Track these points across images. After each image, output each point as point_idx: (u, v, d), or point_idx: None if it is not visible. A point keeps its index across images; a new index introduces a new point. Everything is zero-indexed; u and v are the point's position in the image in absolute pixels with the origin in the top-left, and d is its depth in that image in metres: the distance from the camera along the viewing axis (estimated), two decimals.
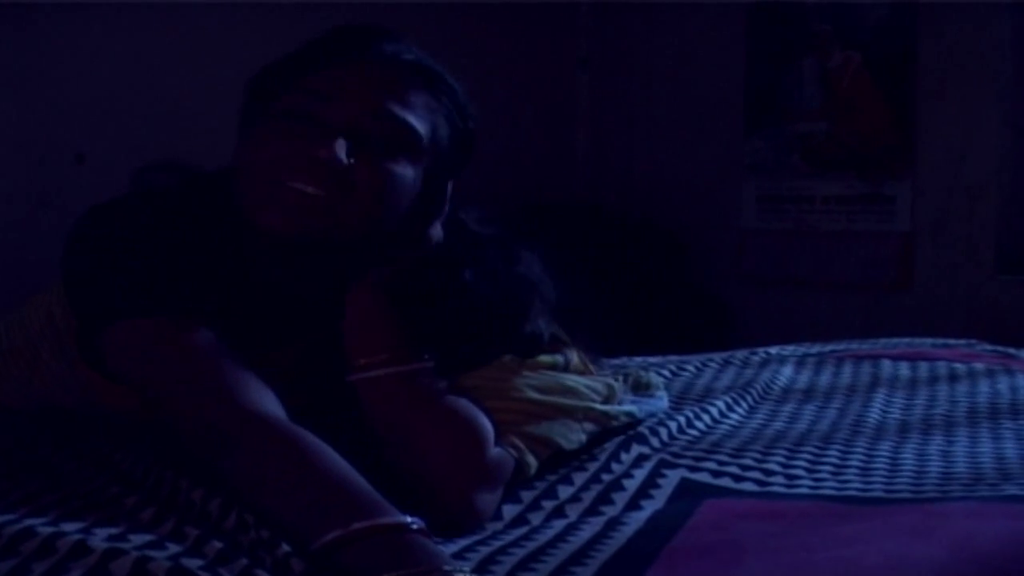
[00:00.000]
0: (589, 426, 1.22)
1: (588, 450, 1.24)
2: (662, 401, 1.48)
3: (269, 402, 1.01)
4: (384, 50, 1.12)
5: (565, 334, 1.27)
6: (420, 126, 1.12)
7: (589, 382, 1.24)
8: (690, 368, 1.88)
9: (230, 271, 1.12)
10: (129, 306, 1.05)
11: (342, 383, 1.12)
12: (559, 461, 1.20)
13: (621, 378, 1.51)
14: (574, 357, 1.25)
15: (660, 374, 1.80)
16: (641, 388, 1.49)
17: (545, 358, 1.21)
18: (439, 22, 3.93)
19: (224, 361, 1.03)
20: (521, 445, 1.12)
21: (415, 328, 1.13)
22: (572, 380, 1.21)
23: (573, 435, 1.19)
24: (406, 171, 1.11)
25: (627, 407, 1.31)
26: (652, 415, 1.40)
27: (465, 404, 1.11)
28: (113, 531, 0.90)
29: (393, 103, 1.10)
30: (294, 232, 1.05)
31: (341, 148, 1.05)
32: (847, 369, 1.92)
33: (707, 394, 1.66)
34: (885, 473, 1.24)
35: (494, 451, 1.09)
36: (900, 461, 1.29)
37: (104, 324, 1.07)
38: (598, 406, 1.24)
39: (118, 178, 1.20)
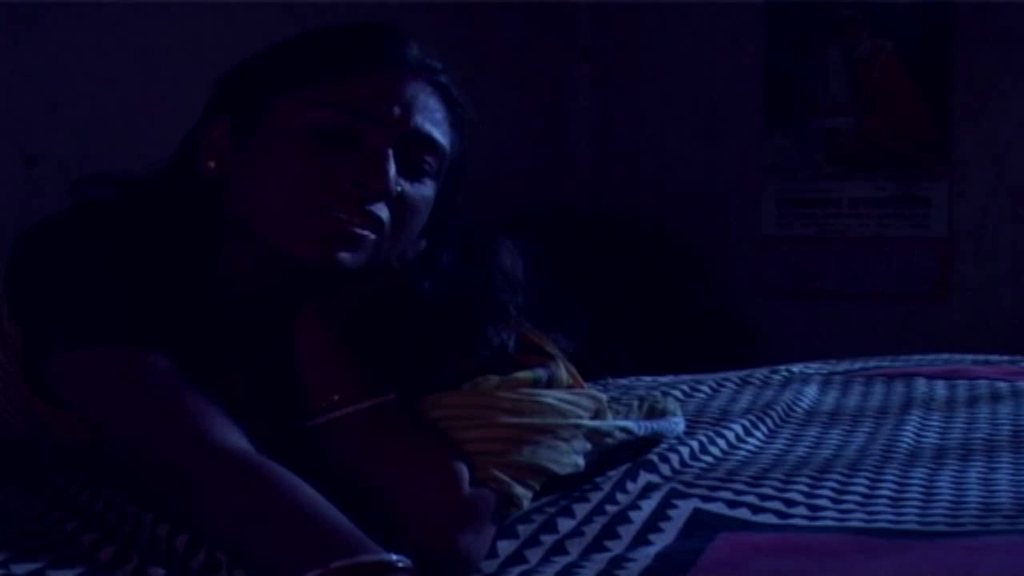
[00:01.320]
0: (581, 445, 1.20)
1: (589, 477, 1.25)
2: (677, 425, 1.47)
3: (233, 434, 1.02)
4: (409, 55, 1.14)
5: (551, 343, 1.26)
6: (444, 143, 1.15)
7: (572, 397, 1.22)
8: (704, 389, 1.88)
9: (184, 290, 1.13)
10: (81, 334, 1.07)
11: (300, 413, 1.13)
12: (557, 489, 1.20)
13: (636, 402, 1.52)
14: (560, 370, 1.23)
15: (670, 394, 1.81)
16: (656, 414, 1.49)
17: (524, 374, 1.19)
18: (424, 9, 3.94)
19: (184, 391, 1.04)
20: (505, 477, 1.11)
21: (371, 356, 1.13)
22: (553, 397, 1.19)
23: (565, 458, 1.18)
24: (431, 192, 1.15)
25: (622, 422, 1.30)
26: (657, 434, 1.39)
27: (434, 439, 1.11)
28: (70, 573, 0.90)
29: (424, 120, 1.12)
30: (335, 265, 1.08)
31: (393, 177, 1.09)
32: (877, 389, 1.92)
33: (723, 417, 1.65)
34: (919, 503, 1.24)
35: (470, 489, 1.09)
36: (936, 490, 1.29)
37: (54, 353, 1.08)
38: (586, 422, 1.22)
39: (70, 181, 1.21)
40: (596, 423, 1.23)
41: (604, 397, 1.28)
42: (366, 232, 1.09)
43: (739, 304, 4.14)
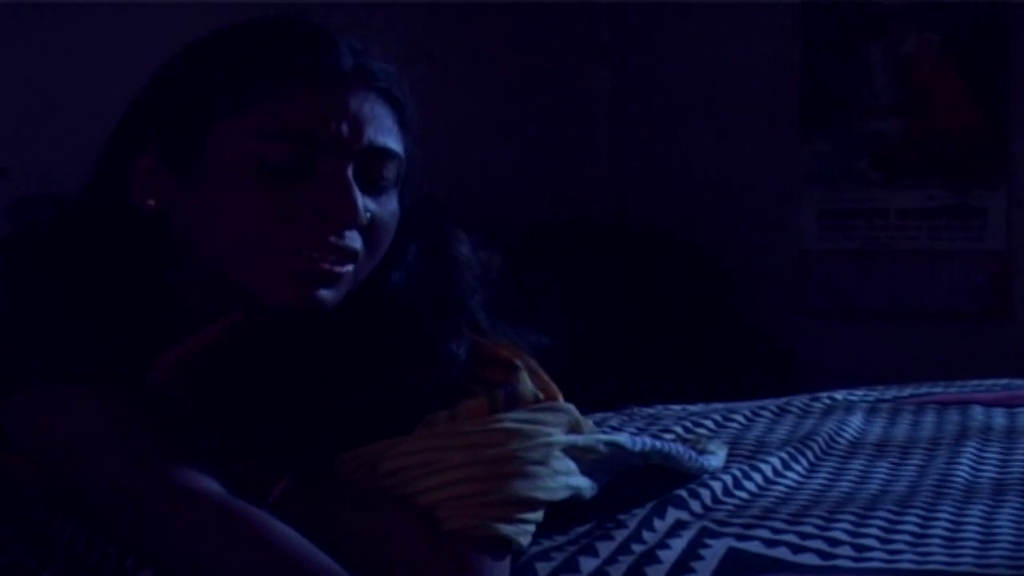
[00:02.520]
0: (565, 465, 1.17)
1: (609, 513, 1.25)
2: (709, 460, 1.47)
3: (202, 476, 1.04)
4: (344, 64, 1.13)
5: (517, 347, 1.23)
6: (399, 149, 1.16)
7: (535, 415, 1.18)
8: (738, 418, 1.88)
9: (137, 323, 1.14)
10: (35, 371, 1.08)
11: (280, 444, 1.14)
12: (573, 521, 1.20)
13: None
14: (524, 383, 1.20)
15: (702, 424, 1.81)
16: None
17: (475, 402, 1.16)
18: (431, 8, 3.96)
19: (146, 430, 1.06)
20: (481, 521, 1.09)
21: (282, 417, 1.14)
22: (512, 420, 1.15)
23: (550, 482, 1.14)
24: (395, 203, 1.16)
25: (608, 436, 1.26)
26: (664, 455, 1.35)
27: (378, 497, 1.11)
28: None
29: (376, 132, 1.13)
30: (315, 305, 1.10)
31: (361, 204, 1.09)
32: (929, 417, 1.91)
33: (759, 449, 1.65)
34: (976, 544, 1.23)
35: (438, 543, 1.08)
36: (995, 529, 1.29)
37: (7, 391, 1.09)
38: (559, 438, 1.17)
39: (43, 193, 1.22)
40: (571, 438, 1.19)
41: (574, 408, 1.23)
42: (343, 268, 1.11)
43: (776, 325, 4.14)
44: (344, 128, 1.10)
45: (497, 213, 3.97)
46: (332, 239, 1.09)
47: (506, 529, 1.09)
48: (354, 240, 1.11)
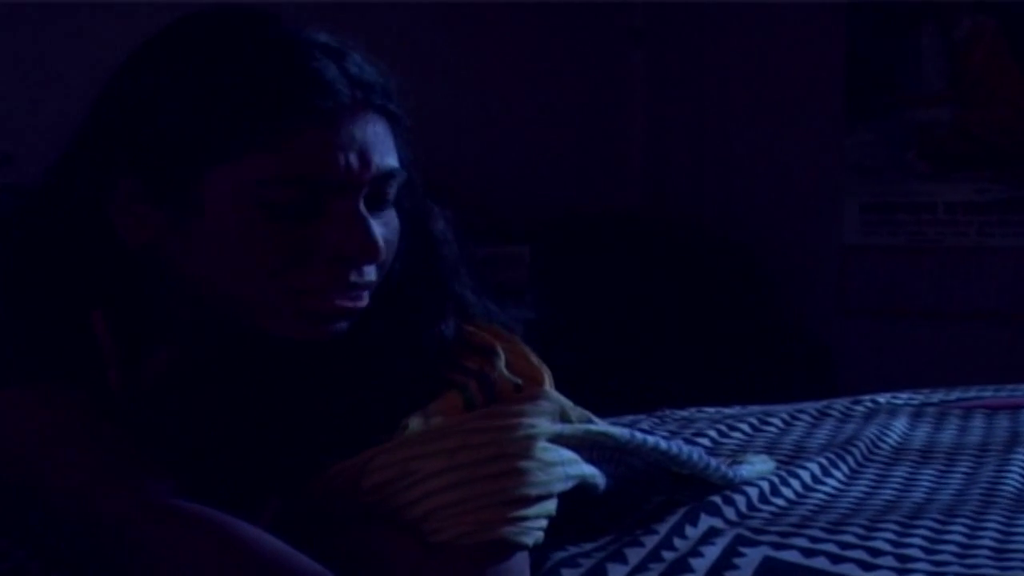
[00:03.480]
0: (556, 455, 1.15)
1: (644, 521, 1.25)
2: (746, 468, 1.47)
3: (174, 488, 1.04)
4: (342, 92, 1.11)
5: (497, 325, 1.22)
6: (399, 164, 1.15)
7: (509, 409, 1.15)
8: (776, 421, 1.88)
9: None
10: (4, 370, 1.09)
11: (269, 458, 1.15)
12: (595, 519, 1.21)
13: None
14: (499, 372, 1.17)
15: (738, 428, 1.81)
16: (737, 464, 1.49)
17: (450, 399, 1.15)
18: None
19: (116, 439, 1.06)
20: (481, 530, 1.08)
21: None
22: (487, 418, 1.13)
23: (543, 475, 1.12)
24: (394, 213, 1.16)
25: (600, 427, 1.23)
26: (677, 460, 1.33)
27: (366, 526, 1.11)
28: None
29: (381, 156, 1.13)
30: (327, 339, 1.12)
31: (381, 241, 1.11)
32: (977, 422, 1.91)
33: (797, 454, 1.66)
34: None
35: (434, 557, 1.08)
36: None
37: None
38: (542, 427, 1.14)
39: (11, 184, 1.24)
40: (556, 427, 1.16)
41: (558, 395, 1.19)
42: (362, 302, 1.12)
43: (817, 323, 4.13)
44: (353, 161, 1.10)
45: (526, 204, 3.99)
46: (353, 278, 1.10)
47: (503, 531, 1.08)
48: (371, 273, 1.12)
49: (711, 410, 2.02)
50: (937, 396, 2.17)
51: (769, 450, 1.70)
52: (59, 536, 1.08)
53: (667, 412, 1.99)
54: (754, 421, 1.87)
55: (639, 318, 3.88)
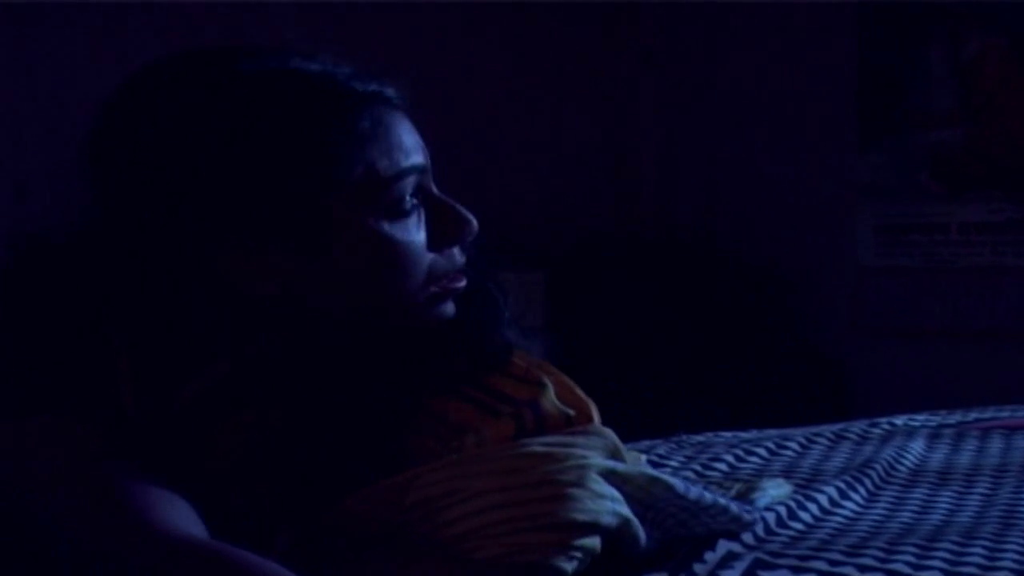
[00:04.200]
0: (609, 490, 1.14)
1: (659, 553, 1.24)
2: (764, 497, 1.46)
3: (184, 518, 1.04)
4: (390, 90, 1.18)
5: (533, 354, 1.24)
6: None
7: (566, 439, 1.16)
8: (793, 445, 1.88)
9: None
10: (11, 404, 1.09)
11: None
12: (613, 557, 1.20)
13: (739, 485, 1.51)
14: (548, 400, 1.19)
15: (754, 452, 1.80)
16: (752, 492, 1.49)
17: (502, 425, 1.16)
18: (471, 14, 3.99)
19: (127, 468, 1.06)
20: (524, 551, 1.08)
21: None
22: (540, 444, 1.14)
23: (592, 504, 1.11)
24: None
25: (658, 473, 1.22)
26: (719, 508, 1.30)
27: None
28: None
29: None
30: (443, 322, 1.19)
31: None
32: (995, 443, 1.90)
33: (814, 477, 1.65)
34: None
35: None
36: None
37: None
38: (596, 460, 1.14)
39: (61, 215, 1.24)
40: (611, 463, 1.16)
41: (612, 433, 1.20)
42: (463, 282, 1.19)
43: (833, 345, 4.12)
44: (425, 154, 1.17)
45: (540, 230, 3.99)
46: (458, 259, 1.18)
47: (544, 555, 1.08)
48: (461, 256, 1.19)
49: (728, 434, 2.02)
50: (954, 417, 2.16)
51: (786, 474, 1.70)
52: (65, 570, 1.07)
53: (683, 437, 1.98)
54: (771, 445, 1.86)
55: (655, 341, 3.87)
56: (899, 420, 2.12)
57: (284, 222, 1.11)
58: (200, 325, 1.14)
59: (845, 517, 1.48)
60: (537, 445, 1.13)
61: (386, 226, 1.13)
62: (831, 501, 1.52)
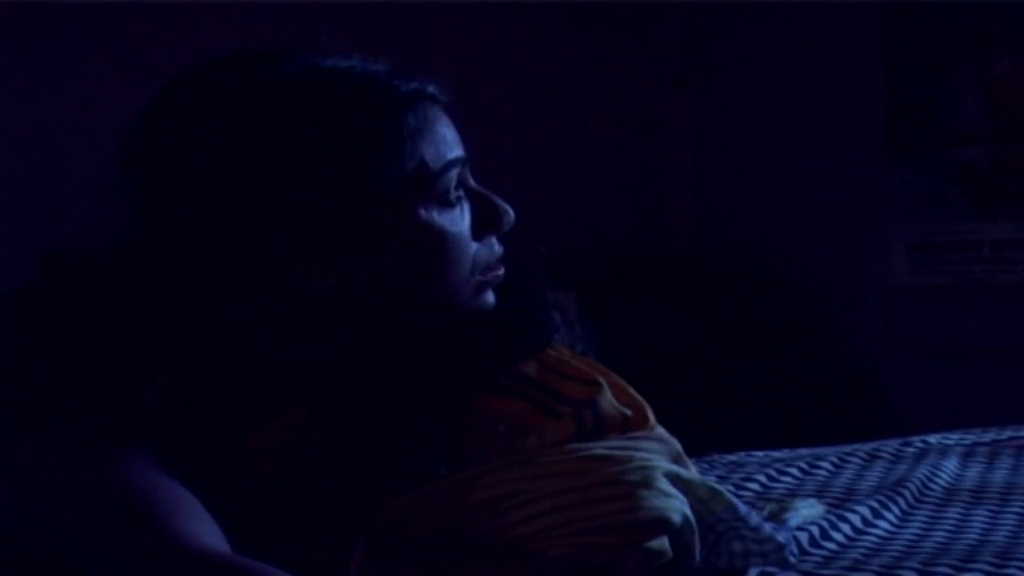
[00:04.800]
0: (672, 489, 1.14)
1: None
2: (795, 517, 1.46)
3: (207, 531, 1.03)
4: (432, 87, 1.20)
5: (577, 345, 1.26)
6: None
7: (628, 443, 1.17)
8: (826, 464, 1.87)
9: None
10: (32, 420, 1.08)
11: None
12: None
13: (771, 505, 1.51)
14: (607, 401, 1.19)
15: (787, 472, 1.80)
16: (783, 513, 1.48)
17: (563, 426, 1.16)
18: (503, 37, 4.00)
19: (149, 482, 1.05)
20: (592, 550, 1.09)
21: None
22: (603, 447, 1.15)
23: (659, 501, 1.11)
24: None
25: (719, 487, 1.21)
26: (766, 538, 1.26)
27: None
28: None
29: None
30: (487, 311, 1.20)
31: None
32: None
33: (848, 497, 1.64)
34: None
35: None
36: None
37: (8, 440, 1.10)
38: (661, 463, 1.15)
39: (97, 239, 1.24)
40: (675, 468, 1.17)
41: (673, 440, 1.21)
42: (502, 271, 1.21)
43: (866, 364, 4.10)
44: (462, 147, 1.19)
45: (571, 250, 3.99)
46: (497, 249, 1.20)
47: (611, 556, 1.09)
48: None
49: (760, 454, 2.01)
50: (989, 435, 2.15)
51: (820, 493, 1.69)
52: None
53: (716, 456, 1.98)
54: (804, 465, 1.86)
55: (686, 359, 3.86)
56: (932, 438, 2.11)
57: (340, 218, 1.12)
58: (262, 325, 1.15)
59: (879, 537, 1.47)
60: (600, 448, 1.14)
61: (436, 217, 1.15)
62: (864, 521, 1.51)
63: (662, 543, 1.11)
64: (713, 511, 1.20)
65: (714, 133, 4.50)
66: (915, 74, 4.00)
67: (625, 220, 4.44)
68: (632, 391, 1.22)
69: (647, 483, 1.11)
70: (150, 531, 1.02)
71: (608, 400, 1.19)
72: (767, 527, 1.25)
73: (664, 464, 1.15)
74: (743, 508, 1.22)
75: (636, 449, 1.15)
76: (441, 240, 1.15)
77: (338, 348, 1.17)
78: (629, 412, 1.19)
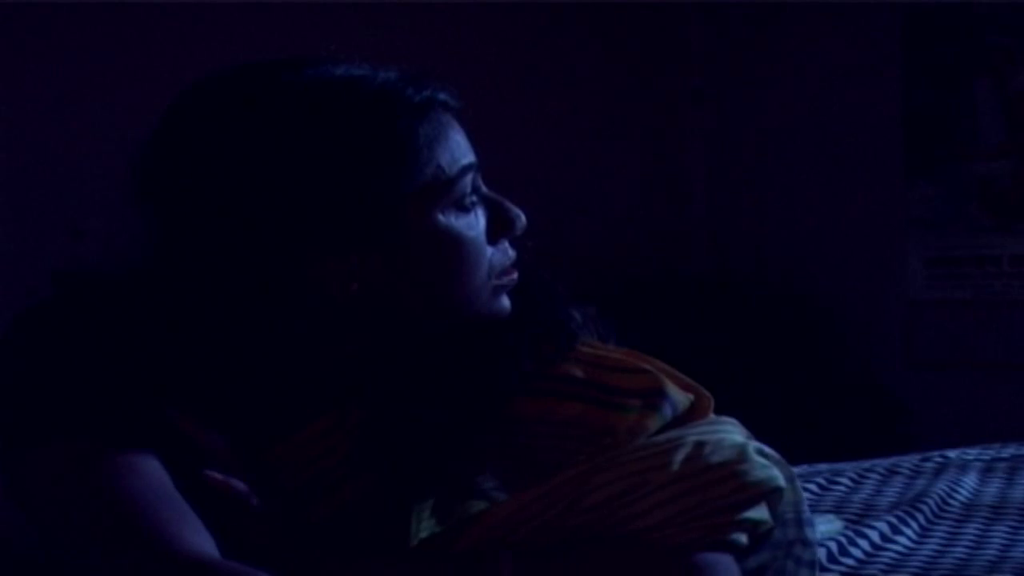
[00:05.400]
0: (762, 460, 1.20)
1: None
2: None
3: (205, 542, 1.03)
4: (443, 94, 1.20)
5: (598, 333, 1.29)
6: None
7: (709, 427, 1.21)
8: (845, 480, 1.86)
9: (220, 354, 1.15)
10: (36, 428, 1.09)
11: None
12: None
13: None
14: (671, 388, 1.21)
15: (806, 487, 1.79)
16: None
17: (643, 419, 1.19)
18: (518, 52, 4.01)
19: (149, 492, 1.06)
20: (715, 533, 1.13)
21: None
22: (695, 433, 1.19)
23: (761, 472, 1.17)
24: None
25: (794, 473, 1.26)
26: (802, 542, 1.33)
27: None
28: None
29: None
30: (505, 315, 1.22)
31: None
32: None
33: (867, 512, 1.63)
34: None
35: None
36: None
37: (12, 448, 1.10)
38: (743, 440, 1.20)
39: (117, 255, 1.24)
40: (759, 444, 1.22)
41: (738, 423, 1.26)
42: (516, 275, 1.22)
43: (886, 379, 4.09)
44: (473, 154, 1.19)
45: (589, 267, 3.99)
46: (511, 253, 1.21)
47: (730, 533, 1.14)
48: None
49: None
50: (1008, 451, 2.13)
51: (839, 508, 1.68)
52: None
53: None
54: (822, 481, 1.85)
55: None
56: (952, 453, 2.10)
57: (364, 224, 1.13)
58: (288, 335, 1.15)
59: (898, 552, 1.46)
60: (692, 435, 1.18)
61: (454, 221, 1.16)
62: (883, 536, 1.50)
63: (761, 513, 1.16)
64: (786, 498, 1.23)
65: (733, 148, 4.50)
66: (933, 89, 3.99)
67: (644, 237, 4.43)
68: (680, 374, 1.25)
69: (745, 458, 1.17)
70: (144, 538, 1.02)
71: (673, 387, 1.22)
72: (817, 539, 1.28)
73: (752, 443, 1.20)
74: (807, 511, 1.26)
75: (722, 431, 1.20)
76: (460, 244, 1.16)
77: (363, 355, 1.18)
78: (692, 397, 1.22)
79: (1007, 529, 1.58)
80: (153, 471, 1.08)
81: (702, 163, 4.54)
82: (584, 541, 1.13)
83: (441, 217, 1.15)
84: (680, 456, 1.16)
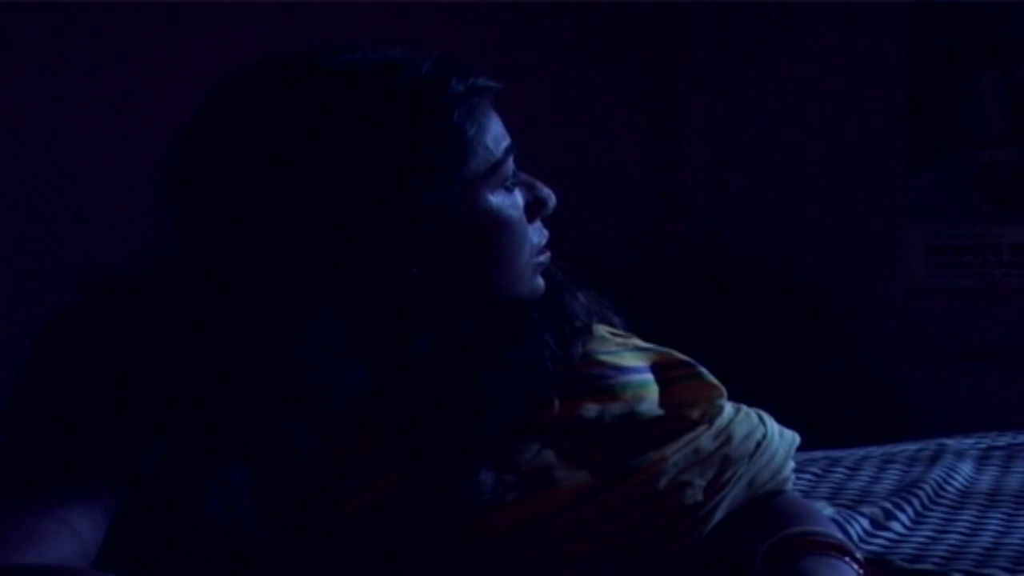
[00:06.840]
0: (782, 436, 1.40)
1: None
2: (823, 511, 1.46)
3: (62, 552, 0.98)
4: (479, 80, 1.23)
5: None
6: None
7: (737, 406, 1.40)
8: (841, 469, 1.86)
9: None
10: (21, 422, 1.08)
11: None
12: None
13: None
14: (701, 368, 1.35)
15: (802, 476, 1.78)
16: None
17: (726, 409, 1.37)
18: (522, 42, 4.00)
19: (21, 497, 1.01)
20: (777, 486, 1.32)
21: None
22: (744, 411, 1.39)
23: (782, 439, 1.41)
24: None
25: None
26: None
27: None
28: None
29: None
30: (540, 295, 1.27)
31: None
32: None
33: (863, 499, 1.63)
34: None
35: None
36: None
37: None
38: (765, 418, 1.42)
39: (117, 238, 1.23)
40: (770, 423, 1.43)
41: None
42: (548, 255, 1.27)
43: (885, 367, 4.09)
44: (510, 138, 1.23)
45: (591, 257, 3.98)
46: (545, 231, 1.26)
47: (779, 484, 1.35)
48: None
49: None
50: (1005, 439, 2.13)
51: (834, 496, 1.67)
52: None
53: None
54: (817, 470, 1.84)
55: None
56: (949, 441, 2.09)
57: (422, 208, 1.15)
58: (361, 318, 1.16)
59: (889, 540, 1.45)
60: (735, 414, 1.40)
61: (502, 201, 1.20)
62: (874, 523, 1.50)
63: (790, 441, 1.42)
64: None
65: (735, 138, 4.49)
66: (938, 77, 3.99)
67: (646, 227, 4.43)
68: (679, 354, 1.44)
69: (766, 437, 1.38)
70: None
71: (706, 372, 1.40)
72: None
73: (769, 421, 1.44)
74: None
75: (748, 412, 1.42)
76: (509, 224, 1.20)
77: (425, 336, 1.22)
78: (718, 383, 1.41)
79: (1002, 517, 1.57)
80: (53, 499, 1.02)
81: (704, 151, 4.54)
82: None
83: (492, 198, 1.19)
84: (723, 437, 1.34)
